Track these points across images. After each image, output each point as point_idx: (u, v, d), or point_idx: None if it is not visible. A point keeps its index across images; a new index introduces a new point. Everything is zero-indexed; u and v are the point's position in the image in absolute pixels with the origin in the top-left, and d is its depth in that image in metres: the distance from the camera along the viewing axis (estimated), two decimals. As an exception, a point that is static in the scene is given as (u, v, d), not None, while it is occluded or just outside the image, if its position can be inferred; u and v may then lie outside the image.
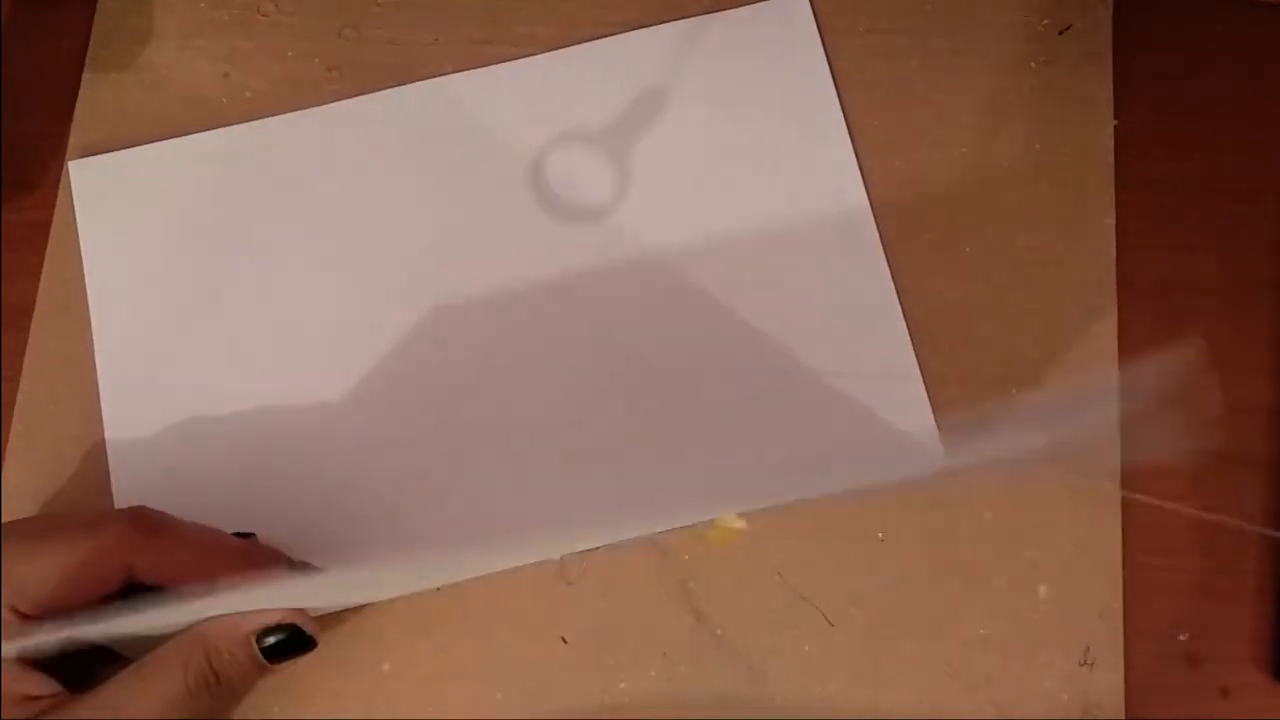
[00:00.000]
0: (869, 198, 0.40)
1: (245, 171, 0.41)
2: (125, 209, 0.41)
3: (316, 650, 0.33)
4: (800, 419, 0.38)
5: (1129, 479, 0.37)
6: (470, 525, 0.37)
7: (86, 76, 0.42)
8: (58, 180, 0.41)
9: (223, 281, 0.40)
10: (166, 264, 0.40)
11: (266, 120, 0.42)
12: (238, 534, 0.35)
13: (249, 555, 0.35)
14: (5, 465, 0.38)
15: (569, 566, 0.37)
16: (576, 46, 0.42)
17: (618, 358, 0.39)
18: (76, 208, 0.41)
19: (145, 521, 0.33)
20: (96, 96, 0.42)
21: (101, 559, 0.32)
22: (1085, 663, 0.36)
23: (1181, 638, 0.37)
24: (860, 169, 0.40)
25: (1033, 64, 0.42)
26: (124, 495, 0.38)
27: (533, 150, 0.41)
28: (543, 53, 0.42)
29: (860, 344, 0.39)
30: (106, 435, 0.39)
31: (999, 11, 0.42)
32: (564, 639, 0.37)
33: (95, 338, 0.39)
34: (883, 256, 0.39)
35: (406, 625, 0.37)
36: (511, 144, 0.41)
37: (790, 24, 0.42)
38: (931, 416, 0.38)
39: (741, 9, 0.42)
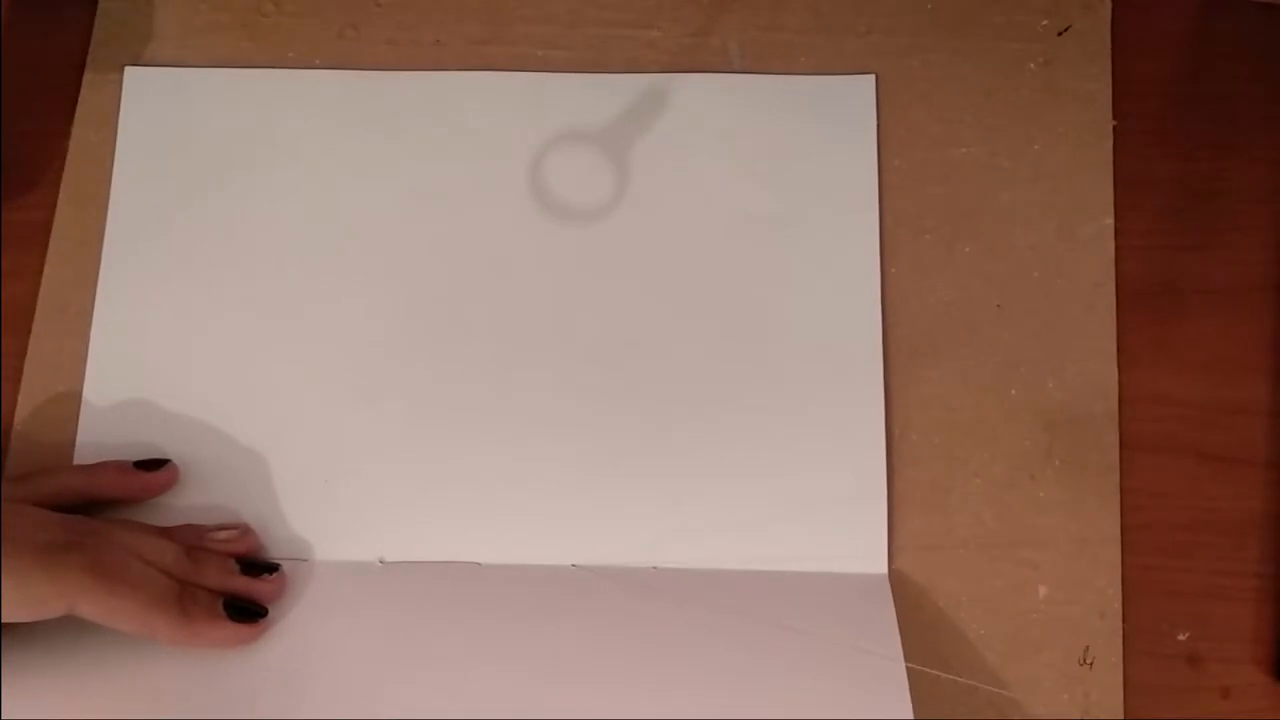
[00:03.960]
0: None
1: (281, 119, 0.41)
2: (167, 127, 0.41)
3: None
4: (761, 475, 0.38)
5: (1128, 473, 0.38)
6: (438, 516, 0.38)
7: (87, 77, 0.42)
8: (58, 180, 0.41)
9: (231, 237, 0.40)
10: (188, 199, 0.41)
11: (326, 71, 0.42)
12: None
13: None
14: (6, 464, 0.38)
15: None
16: (630, 75, 0.42)
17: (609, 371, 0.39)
18: (122, 114, 0.41)
19: None
20: (97, 97, 0.42)
21: None
22: (1085, 663, 0.36)
23: (1181, 638, 0.37)
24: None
25: (1033, 64, 0.42)
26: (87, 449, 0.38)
27: (579, 170, 0.41)
28: (554, 59, 0.42)
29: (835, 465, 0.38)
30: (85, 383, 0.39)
31: (999, 11, 0.42)
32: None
33: (102, 268, 0.40)
34: (880, 376, 0.38)
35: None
36: (552, 155, 0.41)
37: (852, 104, 0.41)
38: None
39: (808, 76, 0.41)
